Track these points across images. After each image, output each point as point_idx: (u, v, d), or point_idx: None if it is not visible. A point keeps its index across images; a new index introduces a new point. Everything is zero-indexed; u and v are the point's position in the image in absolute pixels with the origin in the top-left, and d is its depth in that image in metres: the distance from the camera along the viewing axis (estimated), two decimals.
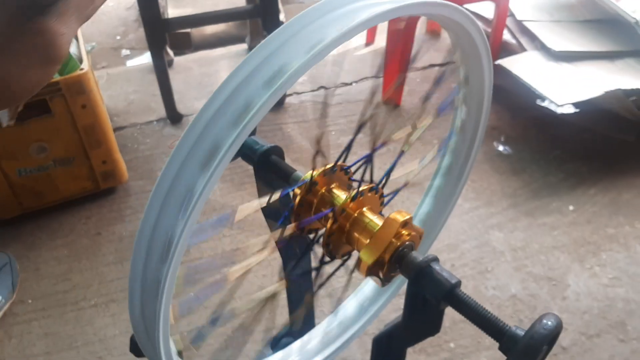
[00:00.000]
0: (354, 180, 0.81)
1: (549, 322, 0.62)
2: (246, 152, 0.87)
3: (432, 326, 0.76)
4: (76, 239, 1.82)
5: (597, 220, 1.88)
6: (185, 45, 2.84)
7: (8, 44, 0.37)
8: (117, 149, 1.90)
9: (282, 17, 2.56)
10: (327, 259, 0.79)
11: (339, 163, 0.78)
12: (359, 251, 0.76)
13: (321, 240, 0.76)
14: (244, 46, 2.83)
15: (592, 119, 2.11)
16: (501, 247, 1.78)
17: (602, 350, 1.48)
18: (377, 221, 0.74)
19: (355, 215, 0.75)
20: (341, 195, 0.77)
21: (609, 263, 1.72)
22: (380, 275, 0.72)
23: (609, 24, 2.30)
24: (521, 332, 0.63)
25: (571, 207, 1.93)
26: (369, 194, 0.76)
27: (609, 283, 1.66)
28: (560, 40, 2.23)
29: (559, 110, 1.92)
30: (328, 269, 0.81)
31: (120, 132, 2.26)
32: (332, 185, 0.79)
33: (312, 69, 0.54)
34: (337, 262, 0.81)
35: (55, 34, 0.39)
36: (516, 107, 2.28)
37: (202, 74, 2.66)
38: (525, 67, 2.11)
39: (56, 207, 1.89)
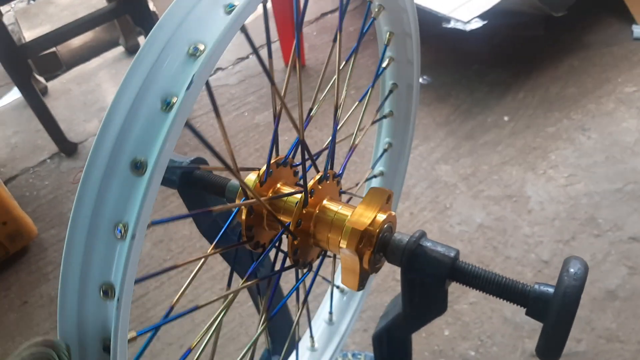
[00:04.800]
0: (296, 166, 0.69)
1: (577, 270, 0.54)
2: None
3: (437, 307, 0.66)
4: (1, 315, 1.62)
5: (535, 122, 1.86)
6: (54, 67, 2.57)
7: None
8: (15, 204, 1.68)
9: (151, 5, 2.35)
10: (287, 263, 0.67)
11: (288, 159, 0.66)
12: (332, 251, 0.65)
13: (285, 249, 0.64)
14: (120, 49, 2.59)
15: (499, 26, 2.07)
16: (452, 179, 1.72)
17: (581, 252, 1.46)
18: (344, 211, 0.63)
19: (317, 212, 0.64)
20: (294, 193, 0.65)
21: (559, 162, 1.71)
22: (365, 268, 0.62)
23: None
24: (549, 290, 0.55)
25: (506, 118, 1.90)
26: (326, 182, 0.65)
27: (566, 182, 1.64)
28: None
29: (468, 28, 1.86)
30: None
31: (12, 183, 2.02)
32: (279, 185, 0.67)
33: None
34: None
35: None
36: (424, 36, 2.21)
37: (84, 93, 2.43)
38: None
39: None
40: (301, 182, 0.65)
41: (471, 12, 1.86)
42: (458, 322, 1.36)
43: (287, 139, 1.94)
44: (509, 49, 2.14)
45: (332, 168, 0.67)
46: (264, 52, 0.55)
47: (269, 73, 0.54)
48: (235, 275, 0.71)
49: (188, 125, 0.43)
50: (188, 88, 0.39)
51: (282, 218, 0.66)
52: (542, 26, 2.11)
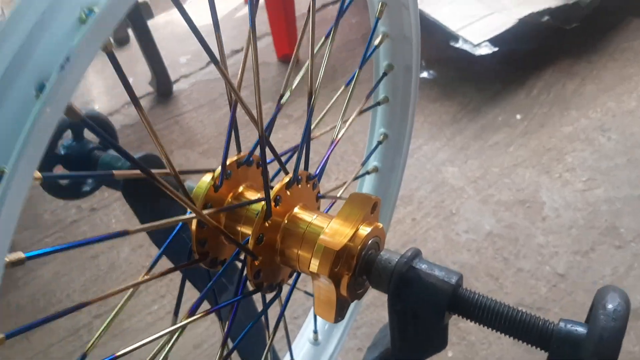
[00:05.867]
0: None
1: (617, 306, 0.41)
2: (107, 177, 0.62)
3: (434, 344, 0.54)
4: None
5: (550, 121, 1.73)
6: None
7: None
8: None
9: None
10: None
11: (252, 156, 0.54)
12: (304, 272, 0.53)
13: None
14: None
15: (510, 52, 1.94)
16: (459, 182, 1.60)
17: (601, 265, 1.33)
18: (319, 222, 0.51)
19: (285, 223, 0.52)
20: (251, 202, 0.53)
21: (577, 165, 1.58)
22: (343, 296, 0.50)
23: None
24: (578, 330, 0.42)
25: (518, 116, 1.77)
26: (298, 187, 0.53)
27: (584, 187, 1.52)
28: None
29: (477, 52, 1.74)
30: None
31: None
32: (241, 189, 0.55)
33: (195, 42, 0.32)
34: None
35: None
36: (429, 40, 2.09)
37: None
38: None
39: None
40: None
41: (482, 33, 1.74)
42: (463, 342, 1.24)
43: (281, 136, 1.82)
44: (522, 42, 2.01)
45: (306, 168, 0.55)
46: (262, 43, 0.44)
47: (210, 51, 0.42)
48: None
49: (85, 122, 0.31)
50: (62, 67, 0.27)
51: (243, 230, 0.54)
52: (572, 21, 1.97)
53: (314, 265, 0.47)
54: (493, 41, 1.73)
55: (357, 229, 0.50)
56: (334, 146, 0.61)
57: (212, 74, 2.19)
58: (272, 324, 0.60)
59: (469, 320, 0.48)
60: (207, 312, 0.48)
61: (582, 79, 1.85)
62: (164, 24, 2.42)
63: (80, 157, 0.65)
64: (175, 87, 2.10)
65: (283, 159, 0.57)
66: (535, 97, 1.82)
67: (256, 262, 0.50)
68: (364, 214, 0.50)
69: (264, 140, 0.47)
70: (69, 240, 1.64)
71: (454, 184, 1.60)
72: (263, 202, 0.50)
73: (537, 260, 1.36)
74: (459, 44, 1.72)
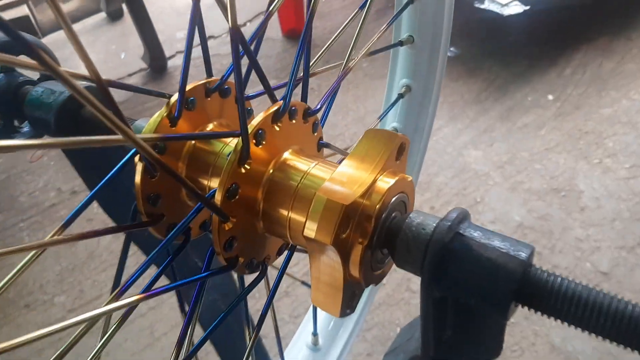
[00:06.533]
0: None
1: None
2: (34, 112, 0.46)
3: (486, 347, 0.38)
4: None
5: (586, 103, 1.56)
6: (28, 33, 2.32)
7: None
8: None
9: None
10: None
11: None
12: (297, 243, 0.37)
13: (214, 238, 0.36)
14: (101, 15, 2.33)
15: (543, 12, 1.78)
16: (484, 167, 1.43)
17: None
18: (319, 171, 0.36)
19: (271, 172, 0.36)
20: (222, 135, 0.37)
21: (619, 150, 1.41)
22: (354, 277, 0.34)
23: None
24: None
25: (550, 97, 1.60)
26: (291, 123, 0.37)
27: (628, 174, 1.35)
28: None
29: (506, 12, 1.57)
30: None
31: None
32: (211, 126, 0.40)
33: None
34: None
35: None
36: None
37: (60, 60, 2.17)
38: None
39: None
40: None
41: None
42: None
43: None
44: (551, 16, 1.84)
45: (305, 100, 0.39)
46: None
47: None
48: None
49: None
50: None
51: (212, 185, 0.38)
52: None
53: (311, 228, 0.31)
54: (523, 0, 1.56)
55: (376, 180, 0.34)
56: (343, 77, 0.45)
57: (211, 49, 2.03)
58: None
59: (545, 317, 0.32)
60: (148, 295, 0.32)
61: (621, 58, 1.68)
62: None
63: (4, 94, 0.49)
64: (170, 63, 1.95)
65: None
66: (569, 76, 1.65)
67: (226, 226, 0.34)
68: (386, 158, 0.34)
69: (237, 36, 0.31)
70: (46, 225, 1.50)
71: (478, 169, 1.43)
72: (238, 138, 0.34)
73: (576, 256, 1.20)
74: (485, 4, 1.55)
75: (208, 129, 0.40)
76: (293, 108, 0.37)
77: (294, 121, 0.38)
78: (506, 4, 1.58)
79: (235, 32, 0.31)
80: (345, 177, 0.33)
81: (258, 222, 0.37)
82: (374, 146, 0.35)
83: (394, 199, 0.34)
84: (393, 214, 0.35)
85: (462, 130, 1.54)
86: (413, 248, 0.33)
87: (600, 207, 1.29)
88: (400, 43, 0.60)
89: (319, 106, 0.41)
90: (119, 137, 0.27)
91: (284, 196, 0.36)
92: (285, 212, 0.36)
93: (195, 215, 0.35)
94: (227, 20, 0.31)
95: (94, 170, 0.47)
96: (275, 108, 0.36)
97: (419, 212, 0.35)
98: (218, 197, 0.33)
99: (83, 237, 0.33)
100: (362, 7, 0.50)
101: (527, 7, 1.56)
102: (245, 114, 0.34)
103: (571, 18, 1.81)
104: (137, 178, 0.36)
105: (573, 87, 1.62)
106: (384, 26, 0.51)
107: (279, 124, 0.36)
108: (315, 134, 0.41)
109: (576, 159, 1.40)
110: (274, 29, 2.03)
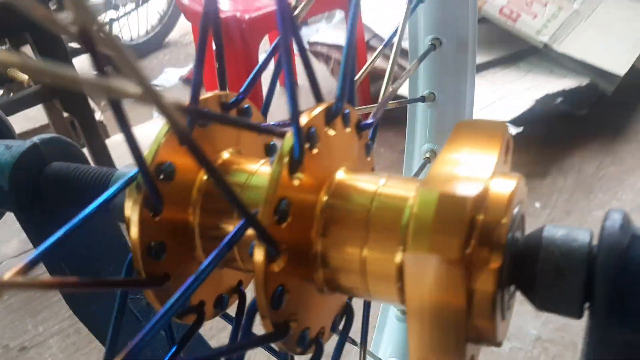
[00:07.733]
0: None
1: None
2: None
3: None
4: None
5: (576, 207, 1.51)
6: None
7: None
8: None
9: (99, 116, 2.03)
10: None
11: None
12: (373, 295, 0.26)
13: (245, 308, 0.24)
14: None
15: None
16: None
17: None
18: (393, 189, 0.25)
19: (326, 197, 0.25)
20: (258, 169, 0.27)
21: None
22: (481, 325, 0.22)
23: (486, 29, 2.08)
24: None
25: (538, 205, 1.55)
26: (344, 130, 0.27)
27: None
28: None
29: None
30: None
31: None
32: (227, 156, 0.29)
33: None
34: None
35: None
36: None
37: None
38: None
39: None
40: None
41: (503, 116, 1.61)
42: None
43: None
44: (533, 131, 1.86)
45: (349, 100, 0.29)
46: None
47: None
48: None
49: None
50: None
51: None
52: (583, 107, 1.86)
53: (416, 243, 0.20)
54: (515, 122, 1.60)
55: (488, 183, 0.23)
56: (393, 94, 0.36)
57: None
58: None
59: None
60: None
61: (600, 162, 1.68)
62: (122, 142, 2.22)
63: None
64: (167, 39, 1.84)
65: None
66: (551, 183, 1.62)
67: (276, 266, 0.23)
68: (498, 152, 0.25)
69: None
70: None
71: None
72: (289, 136, 0.23)
73: None
74: None
75: (225, 156, 0.29)
76: (346, 111, 0.28)
77: (348, 129, 0.28)
78: None
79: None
80: (446, 176, 0.23)
81: (314, 270, 0.25)
82: (475, 140, 0.25)
83: (516, 209, 0.24)
84: (515, 232, 0.24)
85: None
86: (567, 271, 0.22)
87: None
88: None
89: (371, 120, 0.31)
90: None
91: (351, 225, 0.25)
92: (357, 247, 0.24)
93: (236, 237, 0.23)
94: None
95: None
96: (327, 106, 0.26)
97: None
98: (265, 213, 0.22)
99: (41, 286, 0.21)
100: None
101: (520, 129, 1.60)
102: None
103: (542, 130, 1.84)
104: (132, 214, 0.25)
105: (558, 193, 1.58)
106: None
107: (333, 128, 0.26)
108: (369, 158, 0.31)
109: None
110: None
